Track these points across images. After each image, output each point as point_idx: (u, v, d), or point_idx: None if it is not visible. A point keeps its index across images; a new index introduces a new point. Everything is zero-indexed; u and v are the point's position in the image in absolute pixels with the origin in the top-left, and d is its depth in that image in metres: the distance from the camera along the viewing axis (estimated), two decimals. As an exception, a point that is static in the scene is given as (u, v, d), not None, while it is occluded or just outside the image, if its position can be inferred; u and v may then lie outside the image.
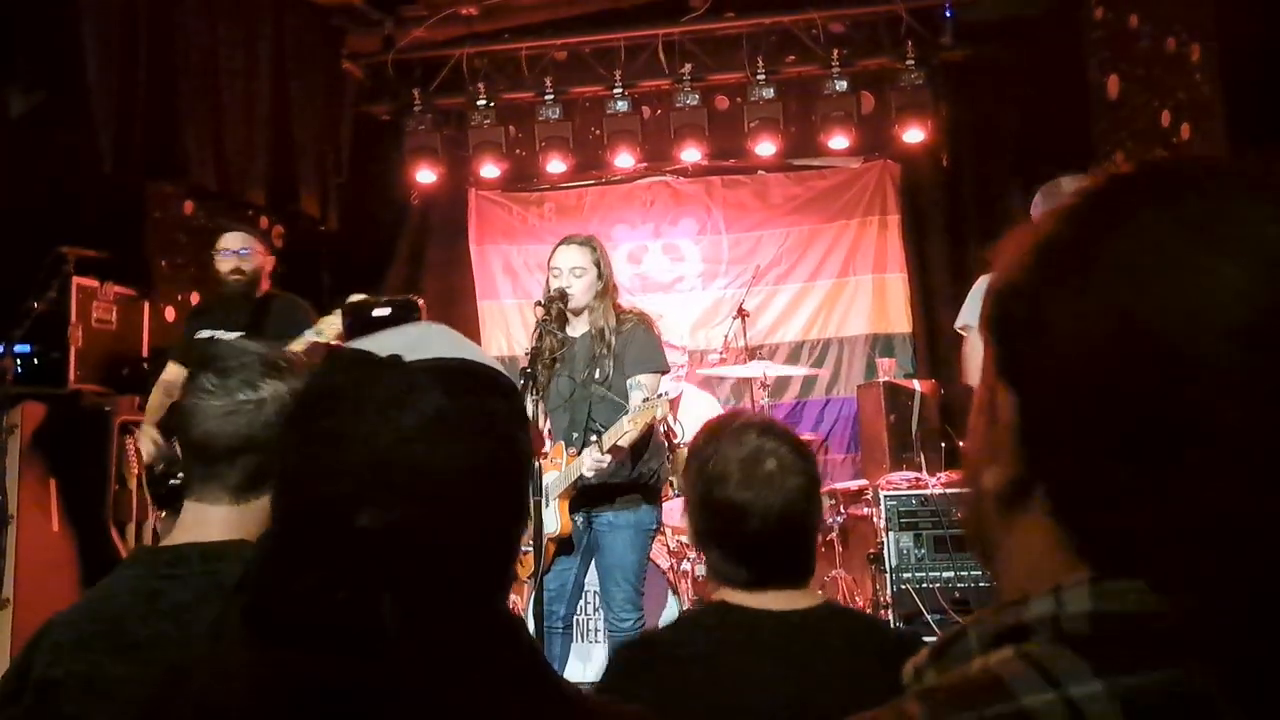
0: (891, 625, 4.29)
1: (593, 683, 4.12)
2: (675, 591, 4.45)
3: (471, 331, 7.24)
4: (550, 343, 3.66)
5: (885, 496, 4.73)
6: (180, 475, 2.37)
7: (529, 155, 6.94)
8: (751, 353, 5.95)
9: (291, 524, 0.88)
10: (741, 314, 5.88)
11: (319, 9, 6.14)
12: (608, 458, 3.48)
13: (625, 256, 7.15)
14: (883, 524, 4.69)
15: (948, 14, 6.26)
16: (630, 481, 3.69)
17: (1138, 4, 5.14)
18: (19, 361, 4.37)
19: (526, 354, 3.57)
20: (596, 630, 4.37)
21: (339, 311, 3.24)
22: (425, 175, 6.80)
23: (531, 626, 3.49)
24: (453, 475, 0.86)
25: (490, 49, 6.69)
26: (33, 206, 4.44)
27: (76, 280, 4.59)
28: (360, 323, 1.80)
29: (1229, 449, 0.53)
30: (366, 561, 0.83)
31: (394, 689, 0.81)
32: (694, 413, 5.07)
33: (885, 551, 4.67)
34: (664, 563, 4.51)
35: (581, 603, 4.21)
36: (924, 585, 4.57)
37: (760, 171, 7.13)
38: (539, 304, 3.68)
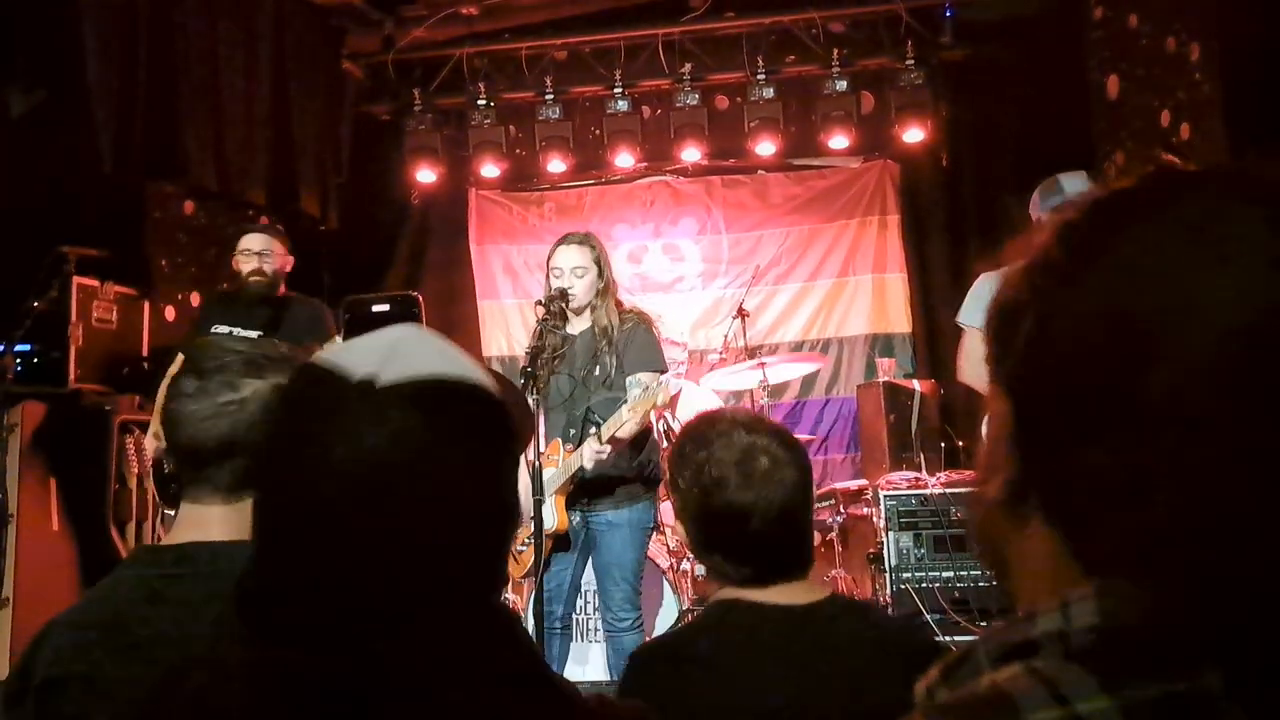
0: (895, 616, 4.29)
1: (592, 683, 4.12)
2: (675, 591, 4.45)
3: (471, 331, 7.24)
4: (552, 341, 3.67)
5: (885, 496, 4.72)
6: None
7: (529, 155, 6.94)
8: (751, 352, 5.95)
9: (281, 525, 0.88)
10: (741, 314, 5.88)
11: (319, 9, 6.14)
12: (607, 448, 3.47)
13: (625, 256, 7.15)
14: (882, 524, 4.69)
15: (948, 13, 6.26)
16: (630, 474, 3.69)
17: (1137, 3, 5.14)
18: (19, 361, 4.36)
19: (527, 353, 3.57)
20: (595, 630, 4.36)
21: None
22: (425, 175, 6.80)
23: (532, 626, 3.48)
24: (434, 489, 0.86)
25: (490, 49, 6.69)
26: (33, 206, 4.44)
27: (77, 280, 4.59)
28: (359, 319, 1.79)
29: (1229, 449, 0.53)
30: (349, 561, 0.83)
31: (392, 689, 0.81)
32: (696, 411, 5.06)
33: (885, 551, 4.67)
34: (664, 562, 4.51)
35: (581, 602, 4.21)
36: (924, 585, 4.57)
37: (760, 171, 7.13)
38: (539, 303, 3.69)
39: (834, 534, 5.23)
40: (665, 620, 4.41)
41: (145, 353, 5.04)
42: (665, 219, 7.26)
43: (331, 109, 6.30)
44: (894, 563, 4.63)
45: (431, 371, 0.88)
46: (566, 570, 3.78)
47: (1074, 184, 3.63)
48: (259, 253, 4.18)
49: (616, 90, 6.59)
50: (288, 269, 4.32)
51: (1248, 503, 0.52)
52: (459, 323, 7.18)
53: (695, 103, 6.49)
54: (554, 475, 3.63)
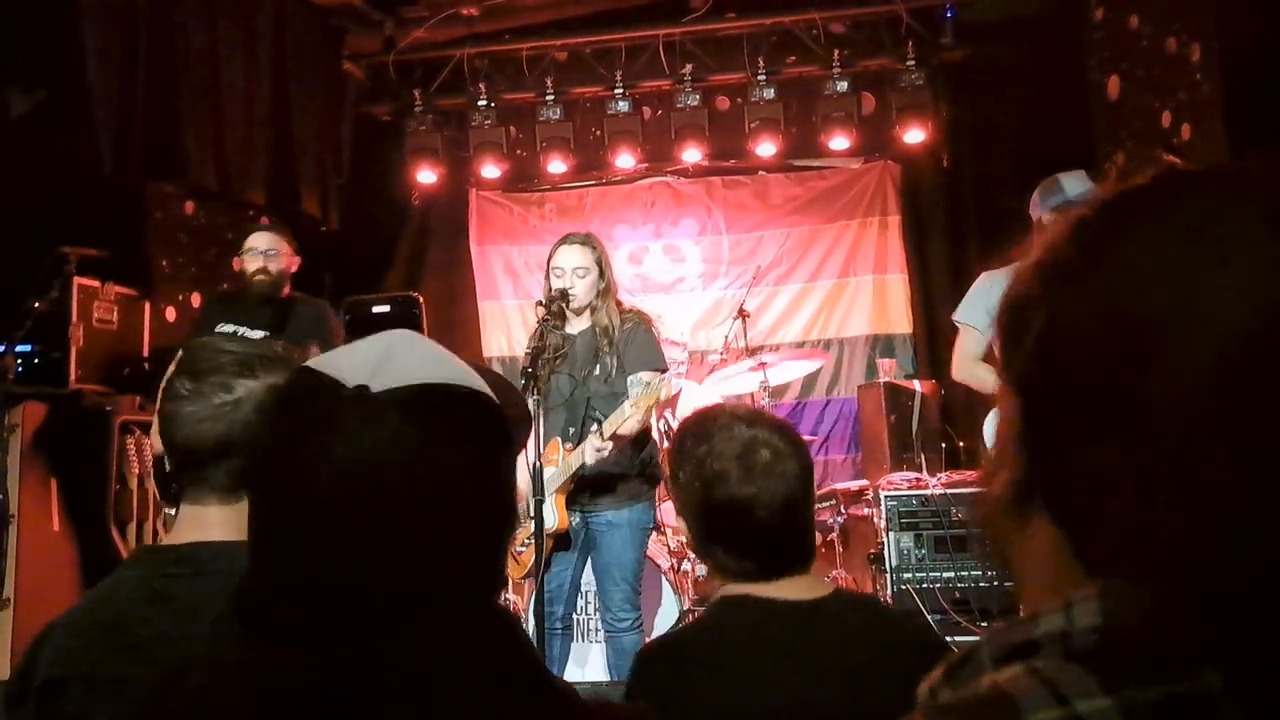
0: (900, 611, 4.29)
1: (592, 683, 4.12)
2: (676, 591, 4.45)
3: (472, 332, 7.25)
4: (552, 340, 3.67)
5: (886, 497, 4.72)
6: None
7: (530, 156, 6.94)
8: (752, 353, 5.95)
9: (279, 526, 0.88)
10: (742, 314, 5.88)
11: (319, 9, 6.15)
12: (609, 445, 3.47)
13: (626, 257, 7.16)
14: (883, 524, 4.69)
15: (948, 14, 6.27)
16: (630, 473, 3.69)
17: (1138, 4, 5.14)
18: (20, 361, 4.36)
19: (528, 353, 3.56)
20: (595, 630, 4.36)
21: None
22: (426, 176, 6.81)
23: (533, 627, 3.48)
24: (427, 476, 0.85)
25: (491, 49, 6.69)
26: (33, 206, 4.44)
27: (77, 280, 4.59)
28: (360, 320, 1.80)
29: (1229, 450, 0.53)
30: (348, 561, 0.83)
31: (391, 689, 0.81)
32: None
33: (886, 552, 4.67)
34: (664, 562, 4.51)
35: (581, 602, 4.21)
36: (924, 585, 4.57)
37: (761, 172, 7.14)
38: (540, 304, 3.69)
39: (835, 534, 5.23)
40: (665, 620, 4.41)
41: (146, 353, 5.04)
42: (666, 220, 7.26)
43: (332, 109, 6.31)
44: (895, 563, 4.63)
45: (424, 378, 0.89)
46: (567, 570, 3.77)
47: (1074, 184, 3.63)
48: (265, 251, 4.18)
49: (617, 91, 6.59)
50: (293, 269, 4.31)
51: (1248, 504, 0.52)
52: (459, 323, 7.19)
53: (696, 103, 6.49)
54: (554, 474, 3.63)
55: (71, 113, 4.57)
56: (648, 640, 4.16)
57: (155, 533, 4.50)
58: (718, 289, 7.15)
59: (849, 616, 1.61)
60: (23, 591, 4.09)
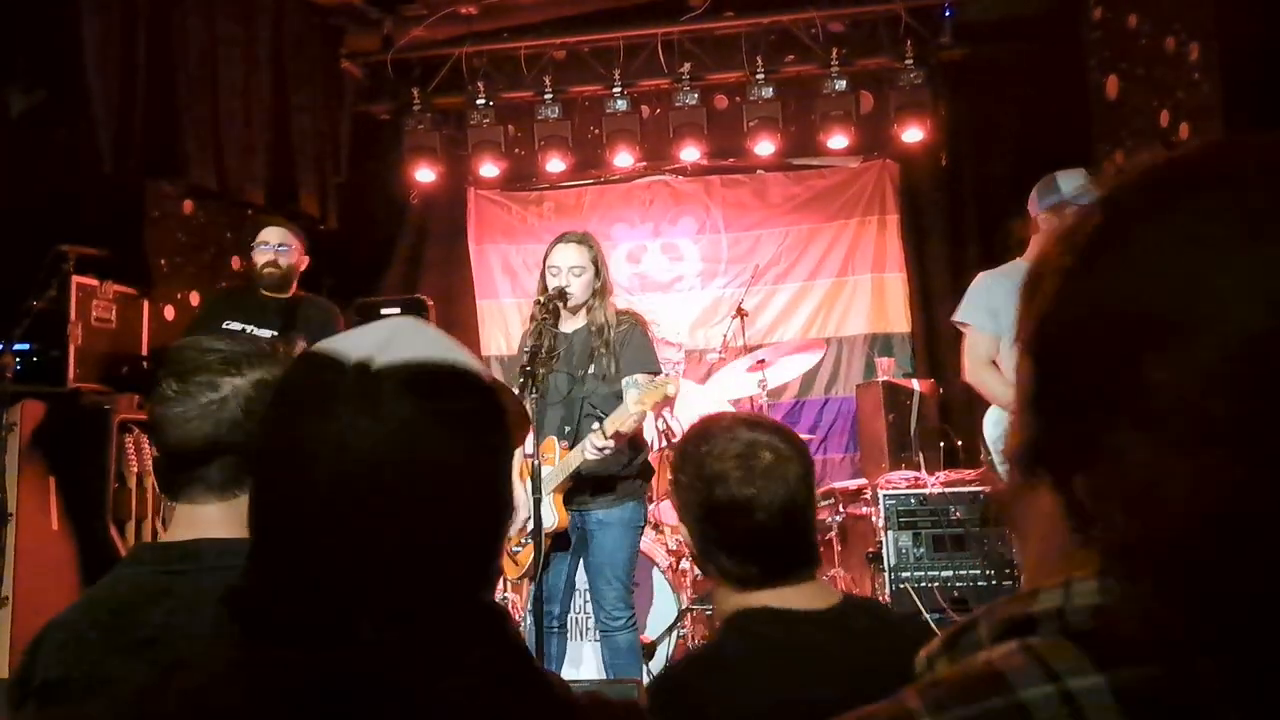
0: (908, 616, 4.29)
1: (590, 682, 4.12)
2: (675, 590, 4.45)
3: (470, 331, 7.24)
4: (549, 340, 3.67)
5: (884, 496, 4.73)
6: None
7: (528, 154, 6.94)
8: (751, 352, 5.95)
9: (272, 520, 0.89)
10: (740, 313, 5.88)
11: (318, 8, 6.14)
12: (611, 443, 3.47)
13: (624, 256, 7.16)
14: (881, 523, 4.70)
15: (947, 13, 6.26)
16: (622, 472, 3.70)
17: (1137, 3, 5.14)
18: (18, 360, 4.36)
19: (526, 352, 3.56)
20: (588, 630, 4.36)
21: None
22: (424, 174, 6.80)
23: (532, 625, 3.49)
24: (427, 475, 0.86)
25: (489, 48, 6.69)
26: (33, 206, 4.43)
27: (76, 279, 4.58)
28: (370, 321, 1.80)
29: (1229, 449, 0.52)
30: (346, 558, 0.83)
31: (385, 687, 0.81)
32: (696, 410, 5.06)
33: (884, 550, 4.67)
34: (663, 561, 4.51)
35: (581, 601, 4.21)
36: (922, 584, 4.58)
37: (759, 171, 7.14)
38: (538, 302, 3.69)
39: (833, 533, 5.23)
40: (663, 619, 4.41)
41: (144, 352, 5.04)
42: (664, 218, 7.26)
43: (330, 108, 6.30)
44: (893, 562, 4.64)
45: (429, 356, 0.89)
46: (563, 569, 3.78)
47: (1071, 182, 3.63)
48: (276, 246, 4.19)
49: (615, 90, 6.59)
50: (302, 267, 4.32)
51: (1248, 503, 0.52)
52: (458, 322, 7.18)
53: (694, 102, 6.48)
54: (551, 474, 3.63)
55: (71, 112, 4.57)
56: (644, 639, 4.17)
57: (154, 531, 4.50)
58: (716, 288, 7.15)
59: (863, 624, 1.60)
60: (21, 590, 4.09)
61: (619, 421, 3.43)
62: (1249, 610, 0.53)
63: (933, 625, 4.25)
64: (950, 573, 4.57)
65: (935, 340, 6.72)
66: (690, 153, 6.59)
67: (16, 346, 4.30)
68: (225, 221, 6.00)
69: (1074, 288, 0.60)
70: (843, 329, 7.03)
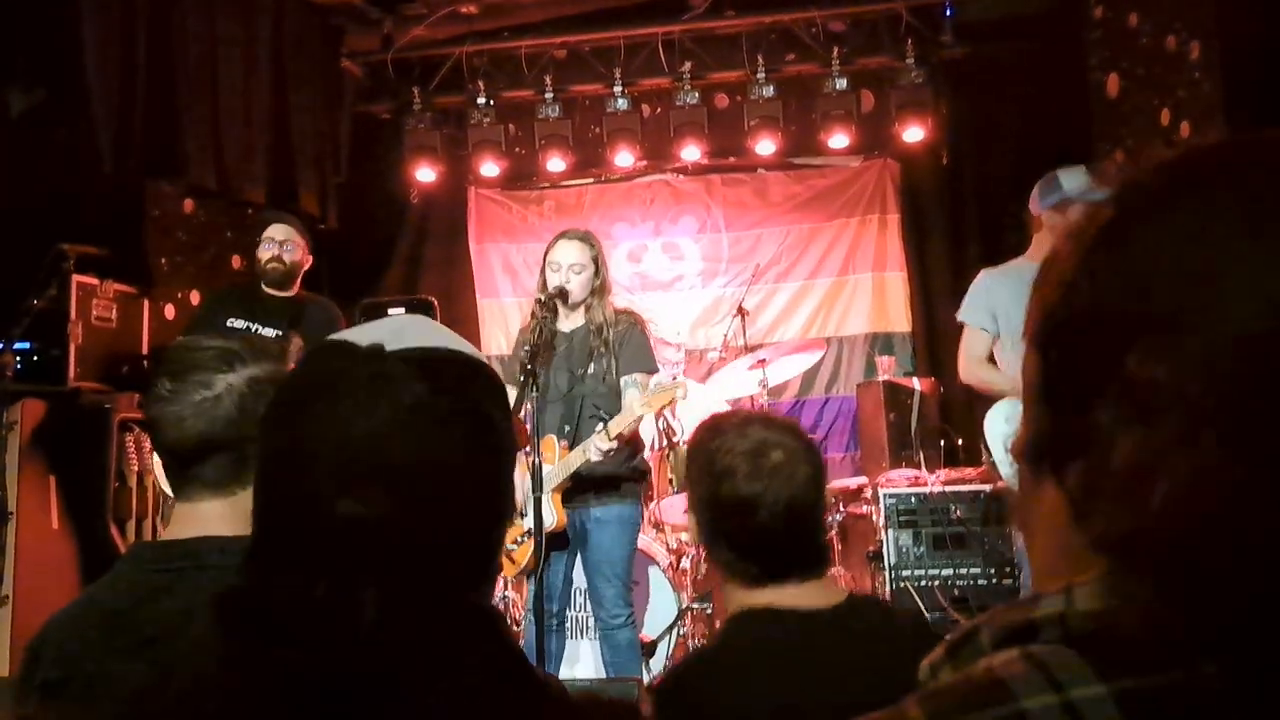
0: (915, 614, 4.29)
1: (589, 680, 4.12)
2: (675, 589, 4.45)
3: (471, 330, 7.24)
4: (548, 338, 3.67)
5: (884, 494, 4.73)
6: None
7: (528, 153, 6.93)
8: (751, 351, 5.95)
9: (273, 518, 0.89)
10: (741, 312, 5.88)
11: (318, 8, 6.14)
12: (615, 444, 3.47)
13: (625, 255, 7.15)
14: (882, 522, 4.70)
15: (948, 12, 6.25)
16: (619, 471, 3.70)
17: (1137, 2, 5.14)
18: (19, 359, 4.36)
19: (526, 350, 3.56)
20: (588, 628, 4.37)
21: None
22: (425, 174, 6.80)
23: (533, 624, 3.48)
24: (431, 466, 0.86)
25: (490, 47, 6.68)
26: (33, 206, 4.44)
27: (76, 278, 4.58)
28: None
29: (1229, 449, 0.52)
30: (346, 554, 0.83)
31: (384, 686, 0.81)
32: (696, 410, 5.06)
33: (884, 549, 4.68)
34: (663, 560, 4.51)
35: (581, 599, 4.21)
36: (923, 583, 4.58)
37: (760, 170, 7.13)
38: (539, 300, 3.69)
39: (834, 532, 5.23)
40: (663, 618, 4.41)
41: (145, 351, 5.04)
42: (665, 217, 7.25)
43: (331, 108, 6.30)
44: (893, 561, 4.64)
45: (441, 345, 0.90)
46: (561, 568, 3.78)
47: (1073, 179, 3.63)
48: (281, 241, 4.21)
49: (616, 89, 6.58)
50: (306, 265, 4.33)
51: (1248, 503, 0.52)
52: (458, 321, 7.17)
53: (695, 101, 6.48)
54: (551, 473, 3.63)
55: (71, 112, 4.56)
56: (644, 638, 4.17)
57: (155, 529, 4.50)
58: (717, 287, 7.14)
59: (866, 623, 1.59)
60: (21, 589, 4.09)
61: (624, 423, 3.44)
62: (1249, 610, 0.52)
63: (929, 623, 4.25)
64: (950, 571, 4.57)
65: (936, 339, 6.72)
66: (691, 152, 6.59)
67: (17, 345, 4.30)
68: (225, 221, 6.00)
69: (1078, 283, 0.60)
70: (843, 328, 7.02)
